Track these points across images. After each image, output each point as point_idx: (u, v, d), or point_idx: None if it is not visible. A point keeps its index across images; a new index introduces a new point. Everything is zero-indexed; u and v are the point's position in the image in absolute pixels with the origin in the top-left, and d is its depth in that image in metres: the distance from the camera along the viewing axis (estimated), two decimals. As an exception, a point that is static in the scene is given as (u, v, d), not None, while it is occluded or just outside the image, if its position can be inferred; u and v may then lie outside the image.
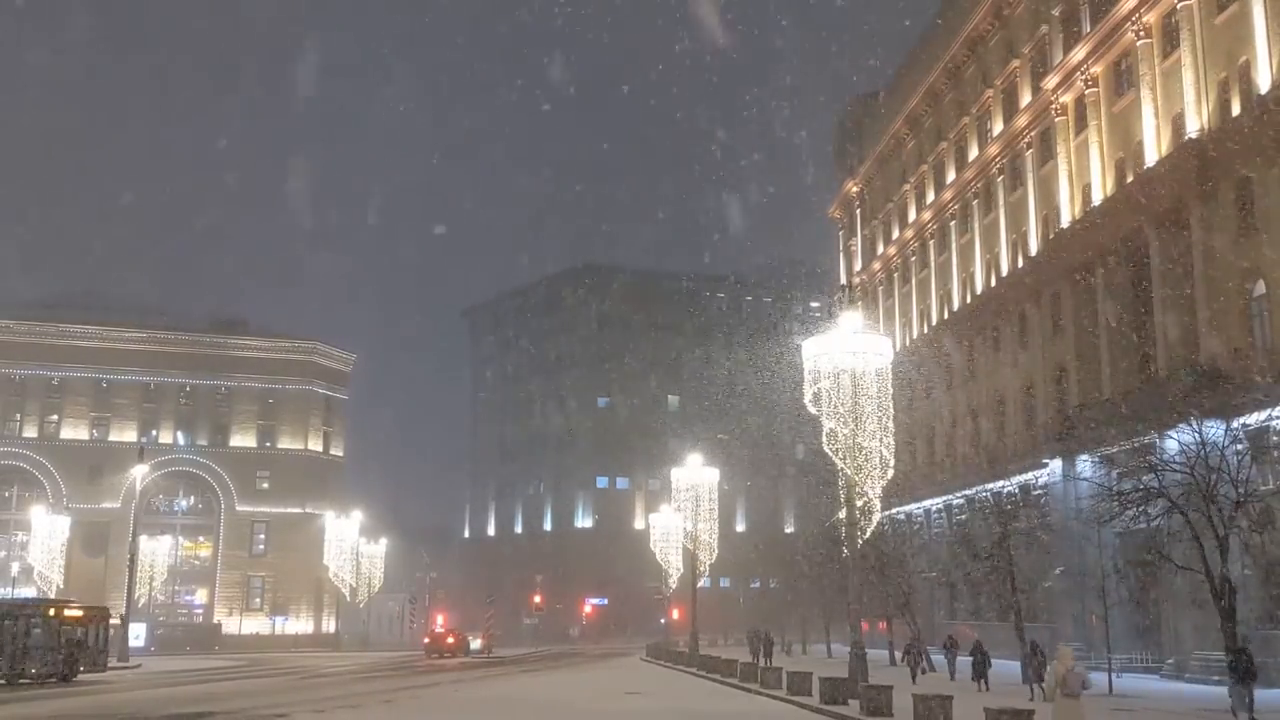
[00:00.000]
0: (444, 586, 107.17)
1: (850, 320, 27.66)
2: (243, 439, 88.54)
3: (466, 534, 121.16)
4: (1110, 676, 30.81)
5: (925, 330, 62.22)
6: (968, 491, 52.22)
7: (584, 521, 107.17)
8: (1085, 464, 38.68)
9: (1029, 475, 45.39)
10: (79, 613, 41.77)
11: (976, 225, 55.75)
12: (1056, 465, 42.19)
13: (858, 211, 75.14)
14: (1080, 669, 16.38)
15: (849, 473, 27.01)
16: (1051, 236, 46.40)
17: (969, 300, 56.15)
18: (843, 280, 74.48)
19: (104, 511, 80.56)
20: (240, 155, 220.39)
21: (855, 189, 74.92)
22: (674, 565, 55.13)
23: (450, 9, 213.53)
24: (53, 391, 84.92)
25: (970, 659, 31.82)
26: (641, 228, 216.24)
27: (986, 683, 30.77)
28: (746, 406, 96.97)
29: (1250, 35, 34.23)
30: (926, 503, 58.37)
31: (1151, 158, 38.96)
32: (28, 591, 70.13)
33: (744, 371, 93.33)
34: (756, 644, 47.25)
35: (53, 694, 32.61)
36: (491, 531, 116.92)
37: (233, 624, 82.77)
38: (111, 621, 45.83)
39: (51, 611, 40.21)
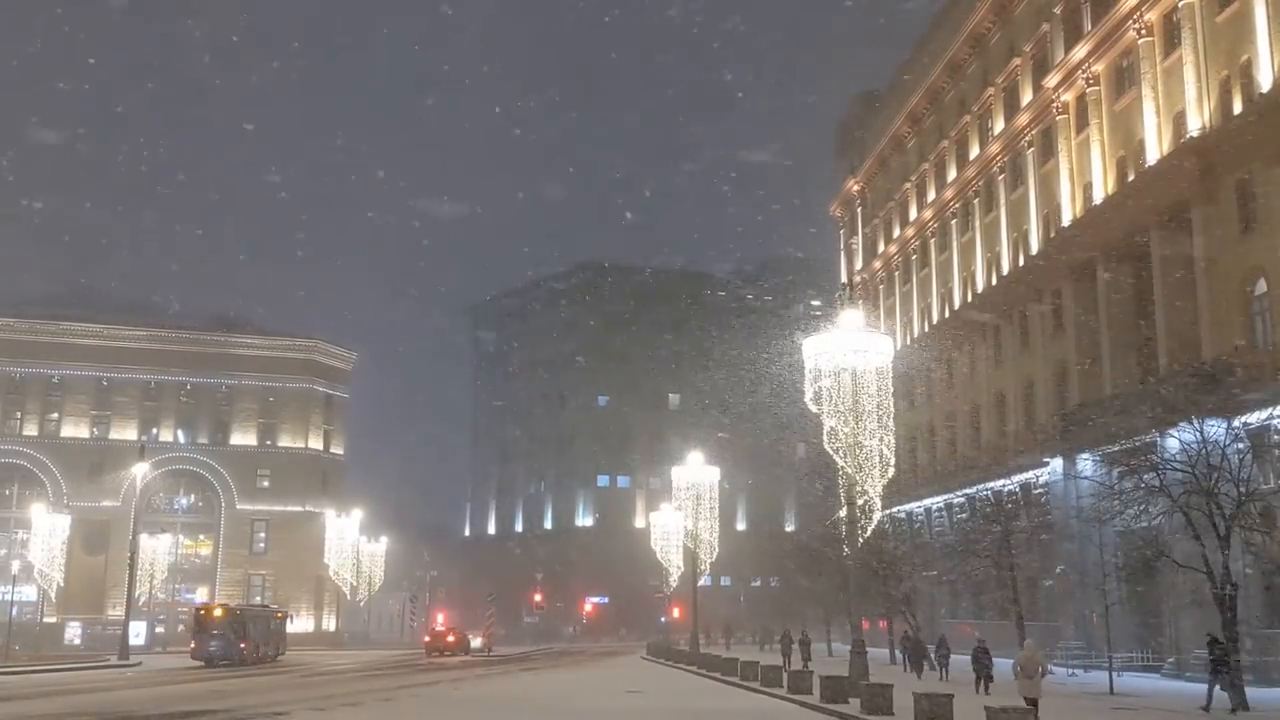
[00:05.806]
0: (444, 585, 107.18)
1: (851, 319, 27.63)
2: (243, 437, 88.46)
3: (467, 532, 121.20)
4: (1110, 675, 30.76)
5: (926, 329, 62.16)
6: (969, 490, 52.15)
7: (585, 520, 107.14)
8: (1086, 463, 38.61)
9: (1030, 474, 45.35)
10: (280, 613, 60.74)
11: (977, 224, 55.71)
12: (1057, 464, 42.13)
13: (859, 210, 75.10)
14: (1039, 657, 20.18)
15: (849, 471, 26.98)
16: (1053, 235, 46.37)
17: (970, 299, 56.09)
18: (843, 279, 74.47)
19: (104, 510, 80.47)
20: (240, 152, 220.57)
21: (856, 187, 74.88)
22: (674, 564, 55.09)
23: (453, 11, 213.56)
24: (53, 389, 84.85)
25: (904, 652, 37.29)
26: (643, 227, 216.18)
27: (920, 675, 34.74)
28: (747, 405, 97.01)
29: (1252, 33, 34.22)
30: (927, 502, 58.29)
31: (1153, 156, 38.92)
32: (28, 590, 70.12)
33: (744, 370, 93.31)
34: (788, 645, 44.23)
35: (280, 669, 45.84)
36: (492, 530, 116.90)
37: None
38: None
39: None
